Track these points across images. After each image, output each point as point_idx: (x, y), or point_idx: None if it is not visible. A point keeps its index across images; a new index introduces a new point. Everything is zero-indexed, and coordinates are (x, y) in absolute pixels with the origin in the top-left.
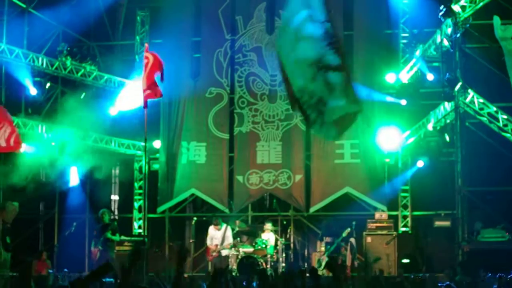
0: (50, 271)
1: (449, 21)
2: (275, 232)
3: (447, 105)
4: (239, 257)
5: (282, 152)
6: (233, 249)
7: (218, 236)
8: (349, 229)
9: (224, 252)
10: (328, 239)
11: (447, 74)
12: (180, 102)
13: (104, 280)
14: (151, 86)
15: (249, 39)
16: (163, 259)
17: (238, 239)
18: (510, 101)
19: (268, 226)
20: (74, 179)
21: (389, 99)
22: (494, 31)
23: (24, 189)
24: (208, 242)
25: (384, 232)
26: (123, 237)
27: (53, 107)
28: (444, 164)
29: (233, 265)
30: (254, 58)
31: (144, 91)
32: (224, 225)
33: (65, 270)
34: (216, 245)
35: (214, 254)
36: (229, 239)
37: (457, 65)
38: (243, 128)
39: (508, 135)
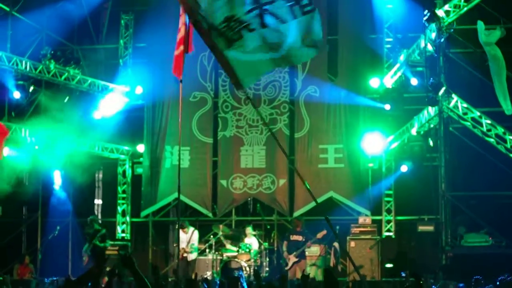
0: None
1: (433, 26)
2: (258, 236)
3: (431, 110)
4: (223, 261)
5: (266, 156)
6: (211, 252)
7: (184, 240)
8: (325, 231)
9: (190, 257)
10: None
11: (431, 79)
12: (164, 106)
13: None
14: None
15: None
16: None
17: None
18: (493, 106)
19: (249, 230)
20: (57, 183)
21: (373, 103)
22: (478, 36)
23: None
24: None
25: (368, 236)
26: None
27: (37, 110)
28: (428, 168)
29: (216, 268)
30: None
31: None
32: (191, 229)
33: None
34: (183, 248)
35: (180, 257)
36: (194, 243)
37: (441, 70)
38: (227, 132)
39: (491, 140)
